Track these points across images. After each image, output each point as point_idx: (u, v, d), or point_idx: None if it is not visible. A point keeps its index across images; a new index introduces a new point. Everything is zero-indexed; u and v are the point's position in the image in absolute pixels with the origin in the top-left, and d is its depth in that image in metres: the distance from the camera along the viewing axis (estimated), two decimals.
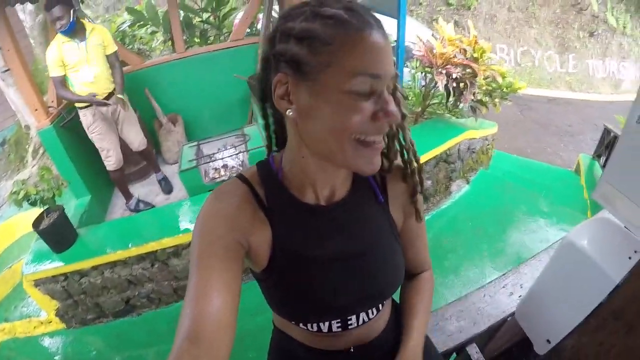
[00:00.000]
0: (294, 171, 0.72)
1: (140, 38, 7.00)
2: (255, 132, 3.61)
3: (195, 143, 3.61)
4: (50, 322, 2.98)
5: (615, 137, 4.50)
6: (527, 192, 4.26)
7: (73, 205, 3.32)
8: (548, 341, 0.99)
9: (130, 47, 5.85)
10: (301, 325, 0.80)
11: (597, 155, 5.09)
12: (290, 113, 0.62)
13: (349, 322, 0.80)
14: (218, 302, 0.58)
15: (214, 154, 3.46)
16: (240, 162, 3.41)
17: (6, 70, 4.69)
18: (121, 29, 6.29)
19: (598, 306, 0.77)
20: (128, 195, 3.57)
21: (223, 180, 3.21)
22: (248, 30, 4.86)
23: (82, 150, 3.50)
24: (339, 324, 0.80)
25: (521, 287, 1.46)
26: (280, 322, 0.91)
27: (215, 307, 0.58)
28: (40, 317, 3.02)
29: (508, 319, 1.33)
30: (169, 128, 4.10)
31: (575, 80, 11.28)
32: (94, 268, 2.72)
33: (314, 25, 0.58)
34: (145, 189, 3.91)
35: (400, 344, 0.85)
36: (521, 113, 8.41)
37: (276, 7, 4.31)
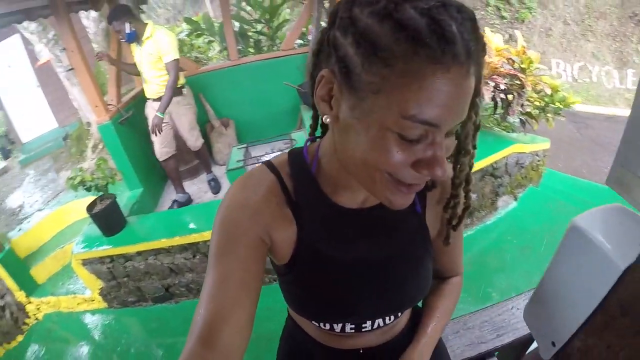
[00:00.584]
0: (329, 168, 0.65)
1: (198, 47, 7.40)
2: (302, 137, 3.72)
3: (244, 145, 3.77)
4: (93, 300, 3.20)
5: None
6: (579, 212, 4.07)
7: (126, 196, 3.57)
8: (553, 344, 0.91)
9: (189, 55, 6.19)
10: (314, 322, 0.77)
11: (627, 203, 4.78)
12: (327, 119, 0.54)
13: (364, 326, 0.77)
14: (235, 304, 0.55)
15: (260, 155, 3.59)
16: None
17: (70, 69, 5.18)
18: (179, 37, 6.69)
19: (604, 300, 0.71)
20: (180, 189, 3.80)
21: None
22: (299, 41, 5.01)
23: (138, 146, 3.76)
24: (353, 327, 0.77)
25: None
26: (295, 314, 0.87)
27: (231, 310, 0.54)
28: (85, 294, 3.23)
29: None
30: (221, 131, 4.31)
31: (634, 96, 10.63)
32: (139, 253, 2.91)
33: (381, 29, 0.44)
34: (195, 187, 4.12)
35: (411, 342, 0.83)
36: (578, 131, 8.05)
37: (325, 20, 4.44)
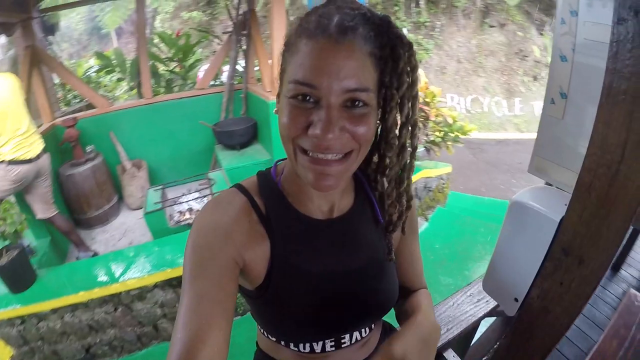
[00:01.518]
0: (291, 180, 0.70)
1: (105, 85, 7.08)
2: (220, 176, 3.71)
3: (160, 187, 3.65)
4: None
5: None
6: (485, 224, 4.51)
7: (32, 246, 3.16)
8: (516, 300, 1.10)
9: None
10: (292, 346, 0.75)
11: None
12: (275, 111, 0.62)
13: (342, 342, 0.77)
14: (212, 325, 0.55)
15: (178, 197, 3.50)
16: None
17: None
18: (87, 74, 6.37)
19: (549, 249, 0.91)
20: (82, 247, 3.38)
21: (188, 224, 3.25)
22: (212, 81, 5.06)
23: None
24: (333, 344, 0.76)
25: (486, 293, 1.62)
26: (267, 345, 0.83)
27: (209, 332, 0.54)
28: None
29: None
30: (133, 173, 4.12)
31: (522, 122, 12.17)
32: (54, 311, 2.61)
33: (299, 21, 0.59)
34: (107, 235, 3.84)
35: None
36: (474, 155, 8.91)
37: (241, 60, 4.56)
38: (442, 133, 4.21)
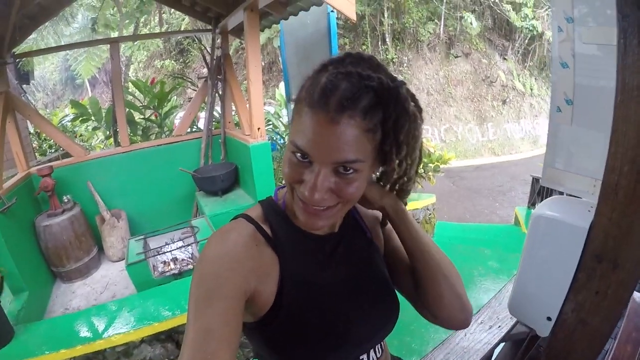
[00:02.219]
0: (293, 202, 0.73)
1: (81, 135, 6.95)
2: (204, 223, 3.61)
3: (141, 237, 3.52)
4: None
5: None
6: (475, 250, 4.49)
7: (9, 301, 2.99)
8: (549, 319, 1.04)
9: None
10: None
11: (531, 204, 5.63)
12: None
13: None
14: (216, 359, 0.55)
15: (160, 247, 3.37)
16: (190, 255, 3.35)
17: None
18: (62, 122, 6.25)
19: (580, 259, 0.87)
20: None
21: (173, 274, 3.14)
22: (189, 128, 5.06)
23: (22, 241, 3.30)
24: None
25: (497, 318, 1.59)
26: None
27: None
28: None
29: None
30: (113, 223, 3.98)
31: (497, 146, 12.54)
32: None
33: (310, 80, 0.63)
34: (88, 288, 3.65)
35: None
36: (454, 184, 9.05)
37: (218, 107, 4.57)
38: (422, 164, 4.25)
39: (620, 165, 0.75)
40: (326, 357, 0.73)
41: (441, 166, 4.50)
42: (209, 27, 4.57)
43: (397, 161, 0.66)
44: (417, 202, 4.15)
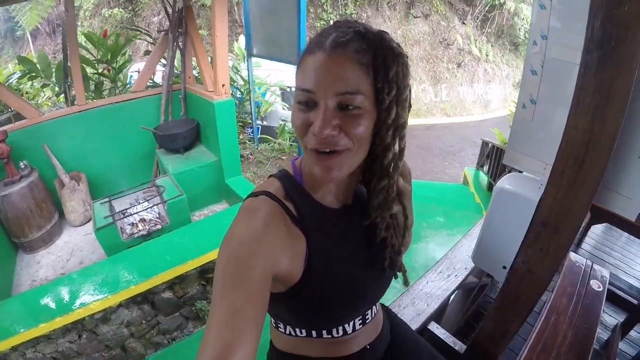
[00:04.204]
0: (310, 175, 0.79)
1: (27, 93, 6.47)
2: (168, 182, 3.61)
3: (106, 199, 3.47)
4: None
5: (494, 147, 5.43)
6: (425, 206, 4.78)
7: None
8: (504, 267, 1.36)
9: None
10: (325, 334, 0.86)
11: (480, 165, 6.00)
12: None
13: (367, 317, 0.92)
14: (243, 338, 0.56)
15: (127, 209, 3.35)
16: (157, 215, 3.35)
17: None
18: (9, 81, 5.77)
19: (530, 224, 1.14)
20: None
21: (142, 235, 3.15)
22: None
23: None
24: (360, 321, 0.90)
25: (454, 268, 1.95)
26: (287, 343, 0.91)
27: (240, 344, 0.55)
28: None
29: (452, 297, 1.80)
30: (73, 187, 3.84)
31: (449, 107, 12.95)
32: (14, 349, 2.38)
33: (307, 42, 0.70)
34: (53, 256, 3.57)
35: None
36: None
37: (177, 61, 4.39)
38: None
39: (566, 159, 0.98)
40: (342, 317, 0.86)
41: None
42: None
43: (388, 102, 0.68)
44: None
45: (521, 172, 1.45)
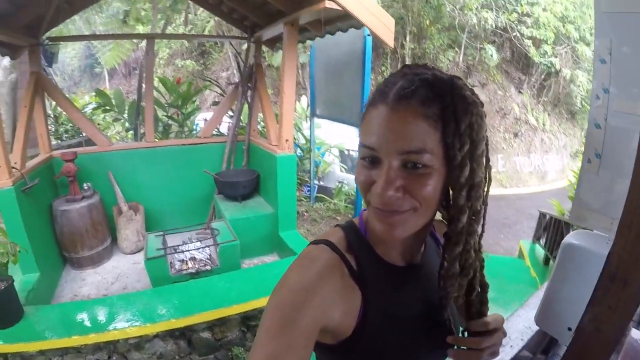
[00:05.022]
0: (374, 229, 0.71)
1: (99, 124, 7.10)
2: (224, 227, 3.69)
3: (160, 233, 3.60)
4: None
5: (552, 219, 5.17)
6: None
7: (19, 280, 2.99)
8: (569, 329, 1.26)
9: None
10: None
11: (537, 238, 5.69)
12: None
13: None
14: None
15: (178, 245, 3.45)
16: (209, 256, 3.43)
17: None
18: (84, 110, 6.39)
19: (599, 280, 1.07)
20: None
21: (190, 273, 3.22)
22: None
23: (39, 222, 3.37)
24: None
25: (510, 338, 1.83)
26: None
27: None
28: None
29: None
30: (130, 216, 4.07)
31: (505, 177, 12.59)
32: (41, 353, 2.43)
33: (372, 92, 0.66)
34: (99, 277, 3.72)
35: None
36: None
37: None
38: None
39: (634, 210, 0.95)
40: None
41: None
42: (244, 34, 4.66)
43: (460, 158, 0.61)
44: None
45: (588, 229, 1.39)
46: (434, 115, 0.59)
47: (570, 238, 1.30)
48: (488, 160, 0.67)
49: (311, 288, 0.63)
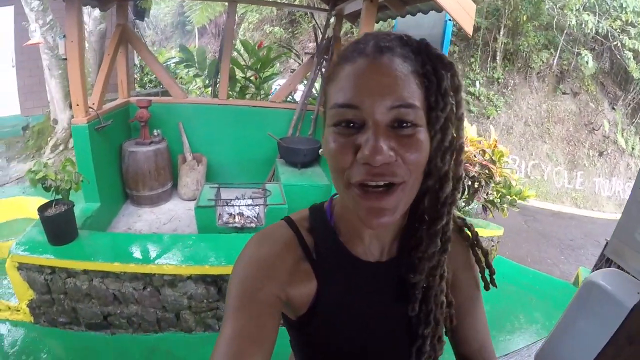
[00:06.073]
0: (345, 218, 0.68)
1: (181, 78, 7.46)
2: (277, 189, 3.77)
3: (216, 185, 3.75)
4: (19, 311, 2.83)
5: None
6: (525, 295, 4.30)
7: (80, 207, 3.27)
8: None
9: None
10: None
11: (596, 268, 5.20)
12: (321, 151, 0.66)
13: None
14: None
15: (230, 199, 3.58)
16: (257, 214, 3.53)
17: (64, 59, 4.97)
18: (167, 63, 6.73)
19: (614, 334, 0.93)
20: None
21: (235, 227, 3.34)
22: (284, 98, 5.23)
23: (106, 159, 3.66)
24: None
25: None
26: None
27: None
28: (10, 302, 2.88)
29: None
30: (192, 165, 4.30)
31: (581, 197, 11.59)
32: (85, 272, 2.67)
33: (337, 53, 0.60)
34: (154, 216, 3.99)
35: None
36: (525, 223, 8.56)
37: (317, 84, 4.68)
38: (499, 194, 4.09)
39: None
40: None
41: (518, 201, 4.30)
42: (326, 6, 4.66)
43: (444, 120, 0.55)
44: (484, 230, 4.01)
45: (623, 270, 1.17)
46: (417, 71, 0.54)
47: (596, 276, 1.13)
48: (463, 123, 0.61)
49: (264, 262, 0.64)
